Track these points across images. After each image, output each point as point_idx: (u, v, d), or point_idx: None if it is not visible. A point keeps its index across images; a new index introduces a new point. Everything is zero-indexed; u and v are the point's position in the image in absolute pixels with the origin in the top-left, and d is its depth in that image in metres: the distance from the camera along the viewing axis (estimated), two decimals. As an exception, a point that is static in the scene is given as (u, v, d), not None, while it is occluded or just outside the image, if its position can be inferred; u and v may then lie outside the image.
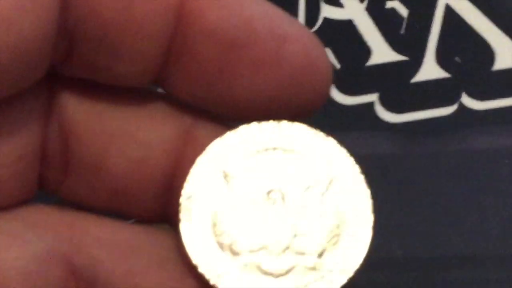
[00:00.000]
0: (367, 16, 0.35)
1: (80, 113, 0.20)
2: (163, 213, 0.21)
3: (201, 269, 0.19)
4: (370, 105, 0.34)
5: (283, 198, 0.19)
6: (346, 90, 0.34)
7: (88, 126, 0.20)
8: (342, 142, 0.20)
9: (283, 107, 0.19)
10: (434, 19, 0.35)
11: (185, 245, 0.19)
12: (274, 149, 0.20)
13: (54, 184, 0.21)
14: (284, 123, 0.20)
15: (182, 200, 0.19)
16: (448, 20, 0.35)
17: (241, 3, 0.18)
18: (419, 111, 0.34)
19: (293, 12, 0.34)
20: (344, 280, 0.19)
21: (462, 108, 0.34)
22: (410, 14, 0.35)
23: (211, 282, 0.19)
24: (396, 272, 0.31)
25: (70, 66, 0.19)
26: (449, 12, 0.35)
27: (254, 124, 0.20)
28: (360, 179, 0.20)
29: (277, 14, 0.19)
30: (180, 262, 0.20)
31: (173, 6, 0.18)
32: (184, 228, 0.19)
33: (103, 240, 0.20)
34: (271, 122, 0.20)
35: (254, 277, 0.19)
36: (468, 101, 0.34)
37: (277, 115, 0.20)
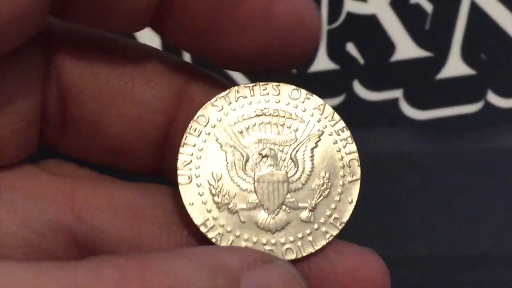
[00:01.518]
0: (391, 11, 0.34)
1: (77, 73, 0.21)
2: (157, 168, 0.22)
3: (202, 229, 0.20)
4: (395, 101, 0.33)
5: (274, 156, 0.21)
6: (370, 86, 0.34)
7: (85, 85, 0.21)
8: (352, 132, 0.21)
9: (272, 60, 0.20)
10: (459, 15, 0.35)
11: (186, 207, 0.20)
12: (263, 112, 0.21)
13: (53, 140, 0.22)
14: (271, 85, 0.21)
15: (179, 165, 0.20)
16: (473, 16, 0.35)
17: None
18: (443, 108, 0.33)
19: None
20: (337, 231, 0.20)
21: (488, 105, 0.34)
22: (434, 10, 0.35)
23: (213, 240, 0.20)
24: (421, 270, 0.31)
25: (66, 15, 0.19)
26: (474, 8, 0.35)
27: (243, 88, 0.21)
28: (347, 134, 0.21)
29: None
30: (182, 224, 0.21)
31: None
32: (183, 191, 0.20)
33: (104, 208, 0.21)
34: (258, 85, 0.21)
35: (252, 233, 0.20)
36: (493, 99, 0.34)
37: (265, 67, 0.20)
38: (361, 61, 0.34)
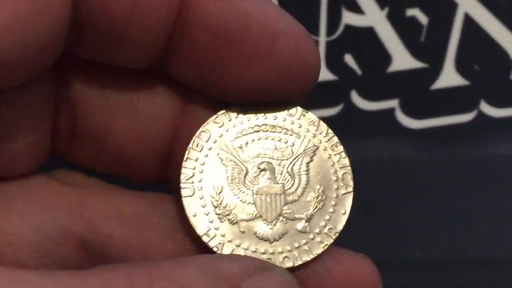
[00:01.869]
0: (387, 23, 0.35)
1: (86, 89, 0.21)
2: (161, 177, 0.23)
3: (205, 239, 0.21)
4: (391, 110, 0.34)
5: (272, 170, 0.22)
6: (367, 95, 0.34)
7: (93, 101, 0.21)
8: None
9: (272, 94, 0.21)
10: (454, 27, 0.35)
11: (189, 218, 0.21)
12: (261, 128, 0.22)
13: (63, 151, 0.22)
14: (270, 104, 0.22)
15: (182, 178, 0.21)
16: (467, 28, 0.35)
17: None
18: (438, 117, 0.34)
19: (315, 18, 0.35)
20: (331, 240, 0.21)
21: (481, 115, 0.34)
22: (430, 22, 0.35)
23: (214, 249, 0.21)
24: (416, 273, 0.31)
25: (79, 51, 0.20)
26: (468, 20, 0.35)
27: (244, 105, 0.22)
28: (341, 149, 0.22)
29: (272, 9, 0.20)
30: (185, 232, 0.21)
31: (174, 1, 0.19)
32: (187, 203, 0.21)
33: (112, 216, 0.21)
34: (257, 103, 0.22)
35: (252, 242, 0.21)
36: (486, 108, 0.34)
37: (265, 101, 0.21)
38: (359, 72, 0.34)
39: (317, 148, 0.22)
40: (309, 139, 0.22)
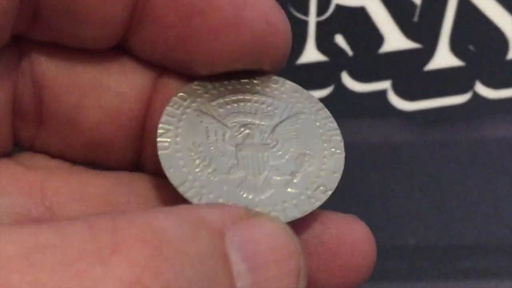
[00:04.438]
0: (379, 3, 0.35)
1: (52, 68, 0.20)
2: (136, 162, 0.22)
3: (181, 189, 0.19)
4: (383, 92, 0.34)
5: (256, 129, 0.20)
6: (359, 77, 0.34)
7: (61, 80, 0.20)
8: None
9: (244, 65, 0.20)
10: (448, 7, 0.35)
11: (165, 172, 0.19)
12: (243, 92, 0.21)
13: (29, 140, 0.21)
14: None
15: (159, 134, 0.20)
16: (462, 8, 0.35)
17: None
18: (432, 99, 0.34)
19: (305, -2, 0.34)
20: (323, 199, 0.20)
21: (476, 96, 0.34)
22: (423, 2, 0.35)
23: (193, 200, 0.19)
24: (409, 260, 0.31)
25: (36, 33, 0.19)
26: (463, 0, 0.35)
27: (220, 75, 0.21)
28: (327, 113, 0.21)
29: None
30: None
31: None
32: (163, 158, 0.20)
33: (76, 198, 0.20)
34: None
35: (232, 197, 0.19)
36: (481, 90, 0.34)
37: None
38: (350, 52, 0.34)
39: (302, 113, 0.21)
40: (293, 104, 0.21)
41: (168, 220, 0.15)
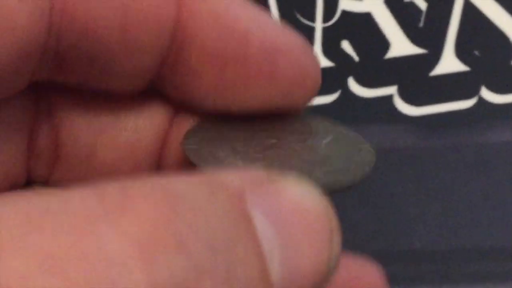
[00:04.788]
0: (385, 9, 0.35)
1: (69, 108, 0.20)
2: None
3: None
4: (389, 97, 0.34)
5: (283, 145, 0.19)
6: (365, 82, 0.34)
7: (78, 120, 0.20)
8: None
9: (273, 111, 0.19)
10: (453, 12, 0.35)
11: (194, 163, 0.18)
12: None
13: (43, 177, 0.21)
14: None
15: (184, 144, 0.19)
16: (467, 13, 0.35)
17: (236, 18, 0.18)
18: (438, 104, 0.34)
19: (311, 4, 0.34)
20: None
21: (481, 101, 0.34)
22: (428, 7, 0.35)
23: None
24: (415, 264, 0.31)
25: (58, 79, 0.19)
26: (468, 5, 0.35)
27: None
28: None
29: (271, 25, 0.19)
30: None
31: (168, 24, 0.18)
32: (191, 155, 0.18)
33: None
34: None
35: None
36: (487, 95, 0.34)
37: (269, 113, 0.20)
38: (356, 58, 0.34)
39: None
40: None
41: (182, 182, 0.14)
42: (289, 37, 0.19)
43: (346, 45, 0.34)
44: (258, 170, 0.16)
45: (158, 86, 0.20)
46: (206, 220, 0.13)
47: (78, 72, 0.18)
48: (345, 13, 0.34)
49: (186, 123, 0.20)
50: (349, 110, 0.33)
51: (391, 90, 0.34)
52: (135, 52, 0.18)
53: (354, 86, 0.34)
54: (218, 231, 0.13)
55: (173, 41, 0.18)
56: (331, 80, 0.34)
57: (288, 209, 0.15)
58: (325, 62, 0.34)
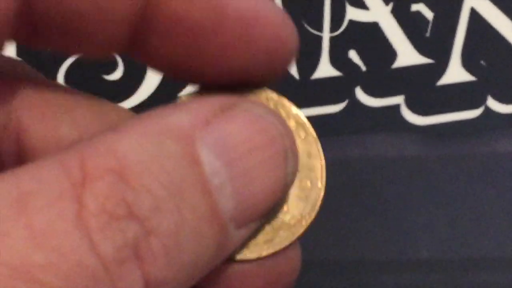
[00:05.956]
0: (392, 18, 0.35)
1: (34, 121, 0.20)
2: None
3: None
4: (396, 107, 0.34)
5: None
6: (372, 92, 0.34)
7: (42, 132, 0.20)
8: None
9: (249, 78, 0.19)
10: (459, 22, 0.35)
11: None
12: None
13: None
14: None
15: None
16: (473, 23, 0.35)
17: None
18: (444, 114, 0.34)
19: (319, 14, 0.35)
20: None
21: (488, 111, 0.34)
22: (435, 17, 0.35)
23: None
24: (422, 273, 0.31)
25: (35, 42, 0.19)
26: (474, 15, 0.35)
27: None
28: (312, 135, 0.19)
29: None
30: None
31: None
32: None
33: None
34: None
35: None
36: (493, 104, 0.34)
37: (242, 84, 0.19)
38: (363, 68, 0.34)
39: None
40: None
41: (130, 141, 0.14)
42: (266, 5, 0.19)
43: (353, 55, 0.34)
44: (210, 103, 0.16)
45: (132, 54, 0.19)
46: (154, 179, 0.14)
47: (52, 39, 0.19)
48: (352, 23, 0.35)
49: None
50: (356, 119, 0.33)
51: (398, 99, 0.34)
52: (107, 19, 0.18)
53: (361, 96, 0.34)
54: (167, 184, 0.14)
55: (146, 8, 0.18)
56: (338, 89, 0.34)
57: (237, 138, 0.15)
58: (332, 72, 0.34)
